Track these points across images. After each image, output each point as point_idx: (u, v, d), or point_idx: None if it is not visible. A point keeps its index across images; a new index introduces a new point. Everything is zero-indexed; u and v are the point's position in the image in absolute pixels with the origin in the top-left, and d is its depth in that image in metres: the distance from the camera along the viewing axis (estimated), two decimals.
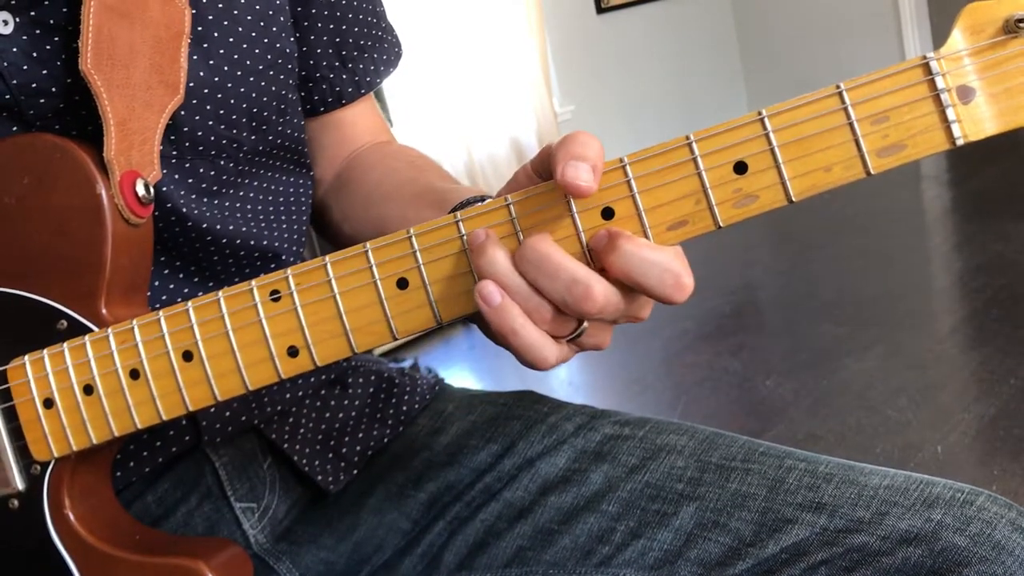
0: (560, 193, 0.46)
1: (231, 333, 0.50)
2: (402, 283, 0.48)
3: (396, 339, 0.49)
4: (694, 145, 0.45)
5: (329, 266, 0.48)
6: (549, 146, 0.47)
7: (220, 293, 0.50)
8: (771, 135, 0.44)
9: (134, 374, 0.51)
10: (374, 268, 0.48)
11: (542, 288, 0.45)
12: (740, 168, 0.44)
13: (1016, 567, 0.51)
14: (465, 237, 0.47)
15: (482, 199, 0.58)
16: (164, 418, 0.51)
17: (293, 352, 0.49)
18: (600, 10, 4.63)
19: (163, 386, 0.51)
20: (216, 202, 0.63)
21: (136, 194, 0.54)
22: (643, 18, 4.81)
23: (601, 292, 0.44)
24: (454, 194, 0.61)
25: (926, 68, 0.43)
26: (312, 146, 0.75)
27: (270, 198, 0.68)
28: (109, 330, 0.52)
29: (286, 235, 0.69)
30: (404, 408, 0.74)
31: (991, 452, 1.79)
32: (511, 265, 0.46)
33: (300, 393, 0.70)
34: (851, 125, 0.43)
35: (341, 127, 0.76)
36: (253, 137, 0.64)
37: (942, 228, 3.38)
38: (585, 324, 0.47)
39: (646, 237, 0.46)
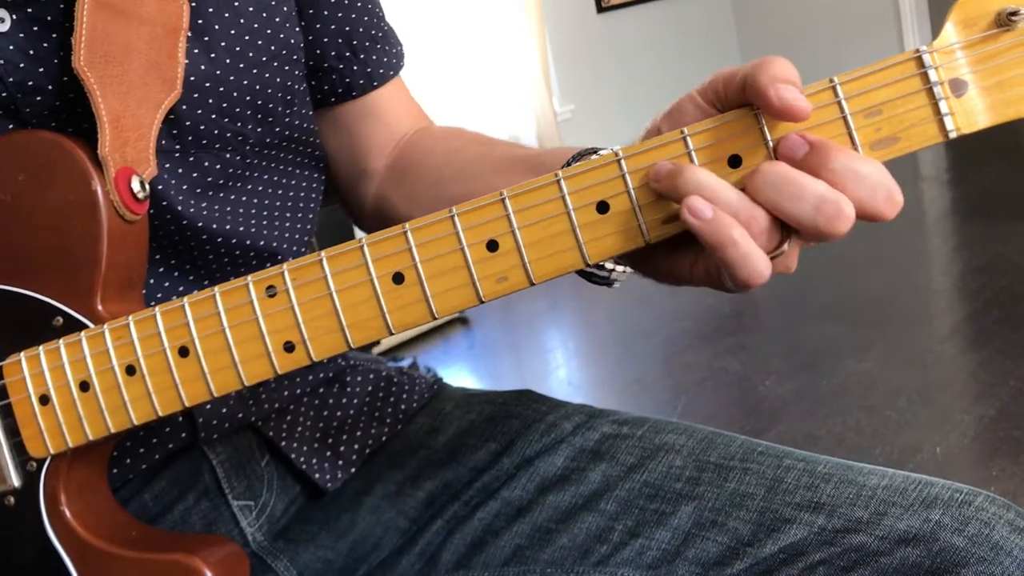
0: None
1: (227, 329, 0.50)
2: (398, 278, 0.48)
3: (392, 334, 0.49)
4: (688, 140, 0.45)
5: (325, 262, 0.48)
6: (727, 73, 0.45)
7: (216, 289, 0.50)
8: (764, 129, 0.44)
9: (130, 370, 0.51)
10: (370, 264, 0.48)
11: (785, 211, 0.43)
12: (735, 162, 0.44)
13: (1014, 567, 0.50)
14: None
15: (595, 152, 0.56)
16: (160, 414, 0.51)
17: (289, 347, 0.49)
18: (600, 10, 4.63)
19: (159, 382, 0.51)
20: (221, 196, 0.63)
21: (131, 190, 0.54)
22: (643, 18, 4.81)
23: (851, 209, 0.42)
24: (546, 155, 0.59)
25: (919, 61, 0.43)
26: (353, 138, 0.74)
27: (279, 192, 0.68)
28: (105, 326, 0.52)
29: (287, 235, 0.68)
30: (402, 407, 0.74)
31: (990, 453, 1.78)
32: (717, 177, 0.44)
33: (298, 391, 0.70)
34: (845, 118, 0.43)
35: (379, 114, 0.74)
36: (259, 129, 0.64)
37: (942, 229, 3.38)
38: (786, 244, 0.45)
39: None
